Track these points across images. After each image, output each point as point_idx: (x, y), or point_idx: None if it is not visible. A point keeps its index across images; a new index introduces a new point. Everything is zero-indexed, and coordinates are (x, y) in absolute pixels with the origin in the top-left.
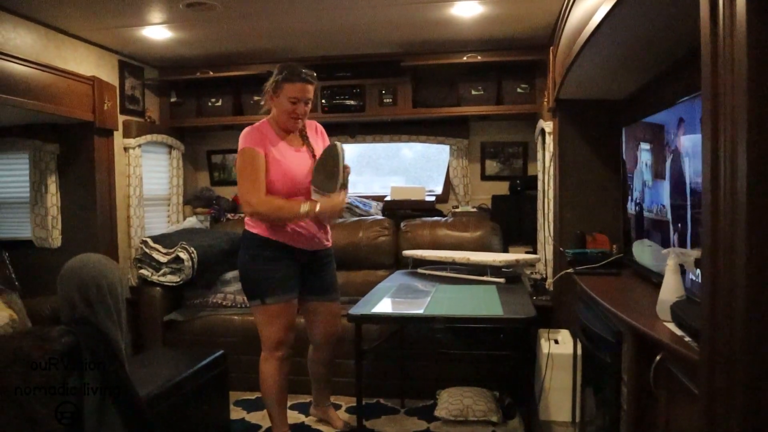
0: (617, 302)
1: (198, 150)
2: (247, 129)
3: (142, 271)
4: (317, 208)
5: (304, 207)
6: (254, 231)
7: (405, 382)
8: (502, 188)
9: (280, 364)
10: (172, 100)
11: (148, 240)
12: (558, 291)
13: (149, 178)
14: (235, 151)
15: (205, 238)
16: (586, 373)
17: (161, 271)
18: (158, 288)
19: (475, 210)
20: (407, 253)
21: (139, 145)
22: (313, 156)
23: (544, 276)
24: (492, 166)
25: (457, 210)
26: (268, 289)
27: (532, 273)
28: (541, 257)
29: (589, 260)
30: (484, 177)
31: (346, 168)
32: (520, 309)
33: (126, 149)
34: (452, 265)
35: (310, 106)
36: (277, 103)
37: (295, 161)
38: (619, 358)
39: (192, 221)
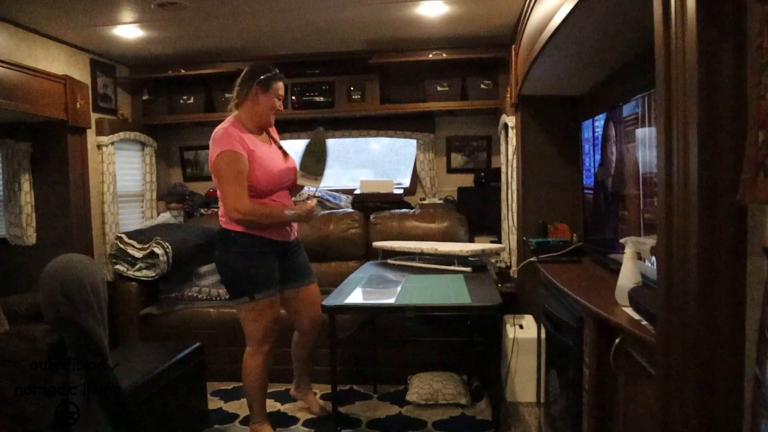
0: (578, 288)
1: (170, 146)
2: (221, 131)
3: (118, 266)
4: (296, 211)
5: (289, 212)
6: (236, 229)
7: (377, 368)
8: (468, 181)
9: (265, 359)
10: (145, 97)
11: (123, 236)
12: (522, 278)
13: (123, 175)
14: (207, 146)
15: (179, 233)
16: (549, 357)
17: (137, 266)
18: (134, 283)
19: (441, 202)
20: (377, 244)
21: (112, 143)
22: (281, 149)
23: (509, 264)
24: (457, 160)
25: (424, 202)
26: (257, 284)
27: (497, 262)
28: (506, 246)
29: (551, 249)
30: (450, 170)
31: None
32: (487, 297)
33: (99, 147)
34: (421, 256)
35: None
36: (263, 99)
37: (273, 157)
38: (580, 341)
39: (166, 217)
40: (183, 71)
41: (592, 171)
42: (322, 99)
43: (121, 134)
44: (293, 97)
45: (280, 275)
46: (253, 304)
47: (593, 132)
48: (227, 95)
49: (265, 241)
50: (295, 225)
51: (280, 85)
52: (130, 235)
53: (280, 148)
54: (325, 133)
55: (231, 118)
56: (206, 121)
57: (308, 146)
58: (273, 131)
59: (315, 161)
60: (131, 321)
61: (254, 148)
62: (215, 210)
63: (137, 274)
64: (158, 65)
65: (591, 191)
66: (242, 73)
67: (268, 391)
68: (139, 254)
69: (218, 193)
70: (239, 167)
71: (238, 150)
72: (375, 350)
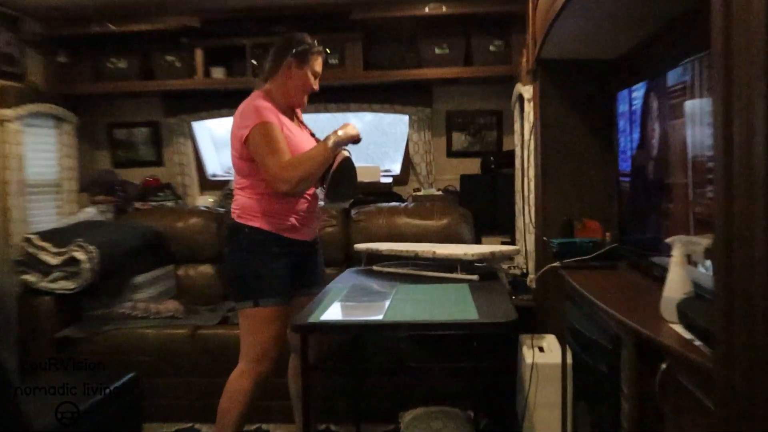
0: (613, 301)
1: (96, 123)
2: (251, 105)
3: (27, 276)
4: (337, 137)
5: (331, 142)
6: (252, 224)
7: (361, 403)
8: (473, 166)
9: (257, 384)
10: (62, 60)
11: (33, 237)
12: (542, 289)
13: (33, 158)
14: (145, 124)
15: (109, 234)
16: (578, 386)
17: (51, 276)
18: (48, 297)
19: (440, 193)
20: (360, 246)
21: (19, 118)
22: (312, 135)
23: (525, 271)
24: (460, 140)
25: (419, 194)
26: (264, 288)
27: (510, 268)
28: (521, 249)
29: (579, 251)
30: (451, 153)
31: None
32: (498, 311)
33: (1, 122)
34: (415, 261)
35: None
36: (297, 74)
37: (303, 139)
38: (617, 367)
39: (90, 212)
40: (112, 27)
41: (629, 154)
42: None
43: (31, 107)
44: (253, 61)
45: (293, 281)
46: (256, 311)
47: (630, 105)
48: (253, 62)
49: (285, 242)
50: (318, 222)
51: (319, 60)
52: (43, 235)
53: (312, 135)
54: (351, 157)
55: (260, 92)
56: (143, 91)
57: (333, 175)
58: (299, 113)
59: (344, 189)
60: (45, 345)
61: (288, 130)
62: (154, 204)
63: (52, 285)
64: (79, 19)
65: (628, 179)
66: (276, 44)
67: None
68: (54, 260)
69: (234, 180)
70: (277, 136)
71: (274, 121)
72: (358, 380)
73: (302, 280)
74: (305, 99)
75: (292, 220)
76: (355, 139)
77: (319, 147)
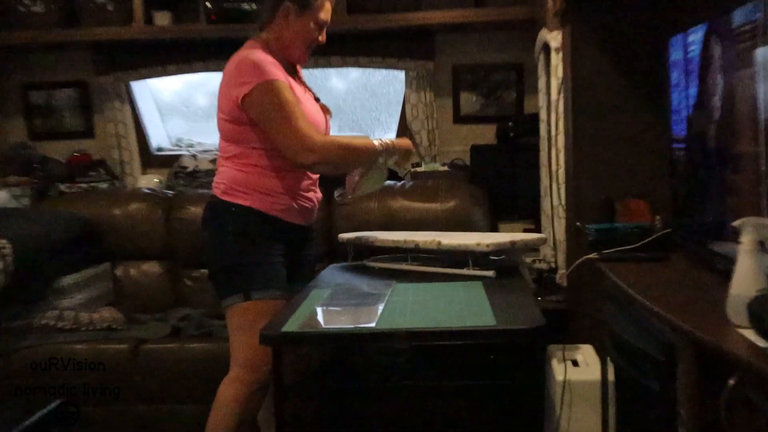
0: (667, 301)
1: (6, 84)
2: (248, 59)
3: None
4: (387, 145)
5: (378, 142)
6: (240, 202)
7: None
8: (487, 135)
9: (250, 395)
10: None
11: None
12: (575, 287)
13: None
14: (70, 84)
15: (26, 224)
16: (622, 409)
17: None
18: None
19: (446, 169)
20: (346, 237)
21: None
22: (317, 101)
23: (554, 265)
24: (470, 102)
25: (419, 169)
26: (256, 278)
27: (535, 261)
28: (548, 237)
29: (622, 240)
30: (459, 118)
31: None
32: (520, 316)
33: None
34: (415, 254)
35: None
36: (296, 24)
37: (310, 105)
38: (672, 384)
39: (1, 197)
40: None
41: (685, 115)
42: (252, 6)
43: None
44: (207, 4)
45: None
46: (248, 305)
47: (686, 53)
48: (207, 4)
49: (279, 225)
50: (317, 203)
51: (326, 6)
52: None
53: (317, 99)
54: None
55: (256, 42)
56: (66, 42)
57: (361, 182)
58: (300, 71)
59: (359, 192)
60: None
61: (294, 89)
62: (84, 186)
63: None
64: None
65: (683, 147)
66: None
67: None
68: None
69: (220, 148)
70: (288, 96)
71: (281, 79)
72: (346, 404)
73: (292, 274)
74: (308, 53)
75: (289, 199)
76: (405, 152)
77: (366, 141)
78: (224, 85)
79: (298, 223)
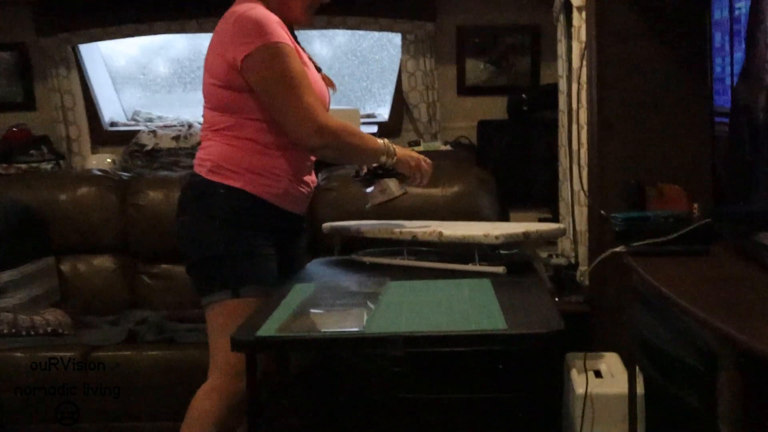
0: (706, 301)
1: None
2: (254, 13)
3: None
4: (392, 147)
5: (383, 143)
6: (235, 185)
7: None
8: (497, 109)
9: (230, 409)
10: None
11: None
12: (599, 286)
13: None
14: (6, 46)
15: None
16: (654, 426)
17: None
18: None
19: (449, 148)
20: (331, 227)
21: None
22: (319, 71)
23: (574, 261)
24: (477, 71)
25: (417, 149)
26: (246, 272)
27: (552, 256)
28: (568, 228)
29: (654, 231)
30: (464, 89)
31: None
32: (535, 318)
33: None
34: (412, 247)
35: None
36: None
37: (316, 77)
38: (712, 396)
39: None
40: None
41: (729, 83)
42: None
43: None
44: None
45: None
46: (235, 304)
47: (731, 11)
48: None
49: (273, 212)
50: (312, 189)
51: None
52: None
53: (319, 69)
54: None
55: (252, 2)
56: None
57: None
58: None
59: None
60: None
61: (301, 56)
62: (23, 166)
63: None
64: None
65: (727, 122)
66: None
67: None
68: None
69: (205, 118)
70: (297, 65)
71: (288, 42)
72: (330, 420)
73: (284, 269)
74: (309, 13)
75: (288, 183)
76: (411, 168)
77: (375, 138)
78: (217, 45)
79: (293, 211)
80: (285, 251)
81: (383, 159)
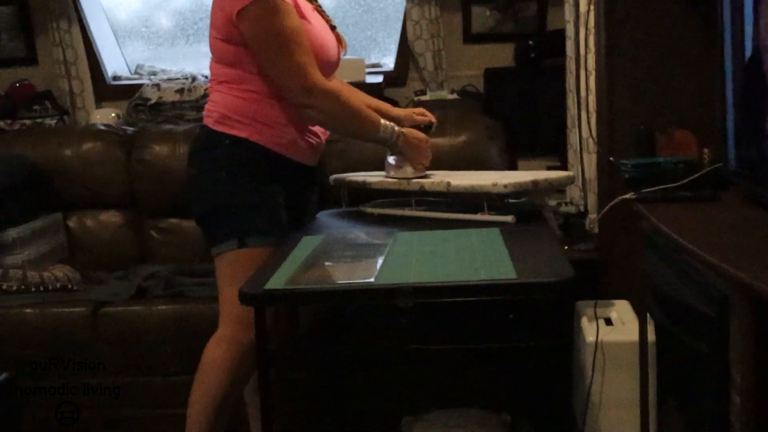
0: (718, 246)
1: None
2: None
3: None
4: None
5: (385, 127)
6: (241, 134)
7: (347, 406)
8: (503, 56)
9: (242, 356)
10: None
11: None
12: (609, 234)
13: None
14: (6, 1)
15: None
16: (664, 374)
17: None
18: None
19: (455, 97)
20: (338, 178)
21: None
22: (333, 29)
23: (584, 209)
24: (483, 18)
25: (423, 98)
26: (253, 221)
27: (561, 204)
28: (577, 176)
29: (664, 177)
30: (470, 37)
31: None
32: (544, 267)
33: None
34: (420, 197)
35: None
36: None
37: (319, 25)
38: (724, 344)
39: None
40: None
41: (742, 22)
42: None
43: None
44: None
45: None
46: (243, 253)
47: None
48: None
49: (281, 163)
50: (324, 140)
51: None
52: None
53: (333, 27)
54: None
55: None
56: None
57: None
58: None
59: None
60: None
61: (304, 14)
62: (27, 122)
63: None
64: None
65: (739, 62)
66: None
67: None
68: None
69: (212, 70)
70: (293, 22)
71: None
72: (341, 373)
73: (294, 221)
74: None
75: (295, 133)
76: (412, 147)
77: (376, 119)
78: (225, 1)
79: (303, 162)
80: (296, 203)
81: (383, 138)
